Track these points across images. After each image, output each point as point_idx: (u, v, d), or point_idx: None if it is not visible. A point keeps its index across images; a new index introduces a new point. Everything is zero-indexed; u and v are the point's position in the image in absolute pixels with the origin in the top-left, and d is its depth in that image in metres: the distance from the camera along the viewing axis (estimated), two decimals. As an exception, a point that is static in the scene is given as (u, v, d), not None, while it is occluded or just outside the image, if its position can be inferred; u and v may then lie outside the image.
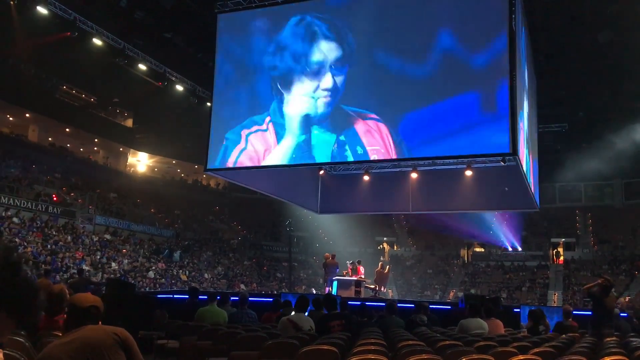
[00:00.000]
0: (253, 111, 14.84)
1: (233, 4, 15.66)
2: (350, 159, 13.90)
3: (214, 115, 15.60)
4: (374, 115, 13.43)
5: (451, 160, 15.81)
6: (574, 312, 9.60)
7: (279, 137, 14.33)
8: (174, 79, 24.98)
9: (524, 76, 15.13)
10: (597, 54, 22.99)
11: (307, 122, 14.06)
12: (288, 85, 14.47)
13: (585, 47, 22.69)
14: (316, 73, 14.19)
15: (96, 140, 40.60)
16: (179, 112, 29.19)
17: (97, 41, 21.77)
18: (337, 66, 13.95)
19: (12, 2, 19.61)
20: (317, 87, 14.09)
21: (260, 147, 14.49)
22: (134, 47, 23.23)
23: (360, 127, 13.55)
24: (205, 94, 24.65)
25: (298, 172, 18.04)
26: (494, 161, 15.40)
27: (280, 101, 14.49)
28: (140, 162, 44.79)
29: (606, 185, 39.46)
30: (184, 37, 24.57)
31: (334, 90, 13.90)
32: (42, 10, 19.72)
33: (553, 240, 39.18)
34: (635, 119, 27.70)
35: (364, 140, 13.49)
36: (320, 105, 13.98)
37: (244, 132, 14.78)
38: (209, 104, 17.59)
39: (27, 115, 35.35)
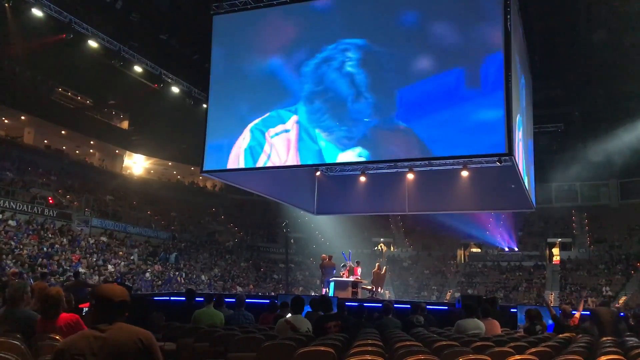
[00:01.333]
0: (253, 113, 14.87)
1: (228, 5, 15.67)
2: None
3: (210, 116, 15.59)
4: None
5: (447, 161, 15.83)
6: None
7: (300, 138, 14.34)
8: (169, 80, 24.96)
9: (519, 75, 15.16)
10: (592, 54, 23.08)
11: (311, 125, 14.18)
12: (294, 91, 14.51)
13: (580, 47, 22.77)
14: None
15: (92, 142, 40.56)
16: (175, 114, 29.15)
17: (92, 43, 21.75)
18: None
19: (7, 5, 19.56)
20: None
21: (283, 149, 14.51)
22: (130, 49, 23.21)
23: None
24: (201, 95, 24.64)
25: (294, 173, 18.03)
26: (490, 161, 15.42)
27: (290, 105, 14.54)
28: (137, 164, 44.73)
29: (602, 185, 39.61)
30: (179, 39, 24.57)
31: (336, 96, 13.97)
32: (37, 12, 19.69)
33: (549, 240, 39.28)
34: (630, 118, 27.80)
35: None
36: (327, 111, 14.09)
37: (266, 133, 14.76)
38: (205, 105, 17.60)
39: (23, 117, 35.27)
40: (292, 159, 14.36)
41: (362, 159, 14.05)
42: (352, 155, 13.89)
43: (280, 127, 14.55)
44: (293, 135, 14.38)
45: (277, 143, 14.52)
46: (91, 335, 2.93)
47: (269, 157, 14.55)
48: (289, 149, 14.39)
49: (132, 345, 2.94)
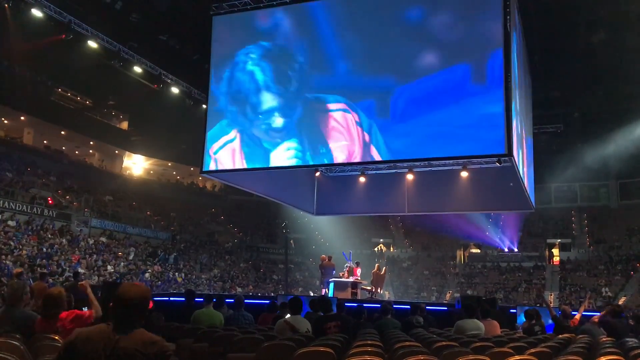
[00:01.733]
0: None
1: (228, 6, 15.68)
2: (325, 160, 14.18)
3: (210, 117, 15.61)
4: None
5: (447, 162, 15.84)
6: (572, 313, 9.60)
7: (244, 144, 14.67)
8: (169, 81, 24.91)
9: (519, 76, 15.17)
10: (591, 54, 23.08)
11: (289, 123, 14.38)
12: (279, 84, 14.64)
13: (579, 47, 22.77)
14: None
15: (92, 142, 40.55)
16: (174, 114, 29.14)
17: (92, 44, 21.71)
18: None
19: (6, 5, 19.54)
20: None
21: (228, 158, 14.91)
22: (129, 50, 23.18)
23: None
24: (200, 96, 24.60)
25: (294, 174, 18.05)
26: (489, 162, 15.43)
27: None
28: (136, 164, 44.71)
29: (601, 185, 39.60)
30: (179, 39, 24.56)
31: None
32: (36, 12, 19.65)
33: (549, 241, 39.26)
34: (629, 119, 27.80)
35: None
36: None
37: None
38: (204, 106, 17.60)
39: (22, 118, 35.27)
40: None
41: (293, 152, 14.22)
42: (284, 148, 14.29)
43: (223, 139, 14.94)
44: (237, 144, 14.78)
45: (222, 156, 14.99)
46: (107, 335, 2.90)
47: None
48: (234, 159, 14.73)
49: (137, 354, 2.88)
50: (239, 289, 32.02)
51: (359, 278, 18.32)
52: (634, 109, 26.84)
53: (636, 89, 24.65)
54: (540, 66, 22.08)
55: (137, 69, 23.91)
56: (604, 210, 39.29)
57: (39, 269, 21.67)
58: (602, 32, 21.45)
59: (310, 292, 29.89)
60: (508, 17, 12.33)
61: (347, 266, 18.56)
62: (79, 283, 6.38)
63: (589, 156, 31.54)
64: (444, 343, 6.12)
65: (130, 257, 29.57)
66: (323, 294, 17.78)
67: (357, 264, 18.73)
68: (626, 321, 8.48)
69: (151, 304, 3.20)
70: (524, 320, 9.08)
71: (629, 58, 22.66)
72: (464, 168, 16.76)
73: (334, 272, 18.55)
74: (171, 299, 15.33)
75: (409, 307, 10.51)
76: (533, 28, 19.51)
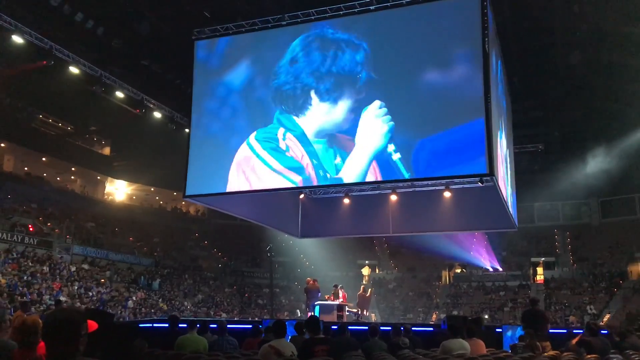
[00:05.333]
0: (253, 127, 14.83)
1: (210, 30, 15.78)
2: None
3: (193, 141, 15.58)
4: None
5: (430, 182, 15.92)
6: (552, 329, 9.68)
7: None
8: (151, 106, 24.87)
9: (499, 97, 15.36)
10: (569, 74, 23.51)
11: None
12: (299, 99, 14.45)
13: (557, 67, 23.19)
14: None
15: (73, 169, 40.26)
16: (157, 139, 29.09)
17: (73, 69, 21.64)
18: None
19: (-14, 32, 19.48)
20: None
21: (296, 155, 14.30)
22: (111, 75, 23.16)
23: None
24: (183, 120, 24.59)
25: (278, 196, 17.98)
26: (472, 182, 15.52)
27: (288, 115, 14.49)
28: (119, 190, 44.40)
29: (583, 204, 40.01)
30: (161, 64, 24.62)
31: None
32: (17, 39, 19.58)
33: (533, 259, 39.45)
34: (609, 137, 28.23)
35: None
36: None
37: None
38: (187, 130, 17.59)
39: (3, 145, 34.99)
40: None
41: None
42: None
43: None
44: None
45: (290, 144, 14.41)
46: None
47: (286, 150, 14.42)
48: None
49: None
50: (224, 315, 31.68)
51: (345, 300, 18.20)
52: (614, 127, 27.28)
53: (615, 107, 25.12)
54: (519, 87, 22.41)
55: (119, 94, 23.83)
56: (586, 228, 39.67)
57: (19, 297, 21.29)
58: (579, 52, 21.87)
59: (298, 312, 29.69)
60: (486, 40, 12.52)
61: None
62: None
63: (570, 175, 31.94)
64: (430, 364, 6.09)
65: (108, 276, 29.02)
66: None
67: (336, 287, 18.54)
68: (609, 339, 8.51)
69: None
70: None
71: (606, 76, 23.12)
72: (447, 188, 16.84)
73: (320, 294, 18.42)
74: (154, 325, 15.10)
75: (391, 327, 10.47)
76: (511, 49, 19.85)
